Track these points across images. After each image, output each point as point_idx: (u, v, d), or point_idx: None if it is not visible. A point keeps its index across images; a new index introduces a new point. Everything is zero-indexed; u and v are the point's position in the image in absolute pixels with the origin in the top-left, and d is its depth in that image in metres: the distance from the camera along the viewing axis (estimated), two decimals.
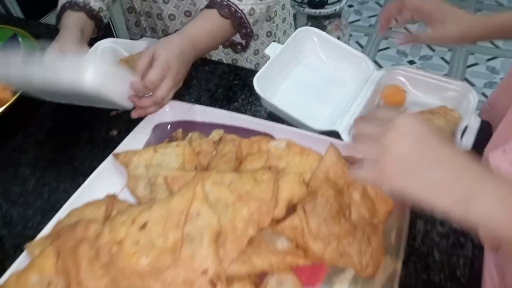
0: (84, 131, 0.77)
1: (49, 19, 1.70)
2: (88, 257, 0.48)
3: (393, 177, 0.40)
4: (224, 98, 0.81)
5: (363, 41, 2.42)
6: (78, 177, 0.70)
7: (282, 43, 0.78)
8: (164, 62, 0.68)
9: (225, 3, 0.77)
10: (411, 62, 2.26)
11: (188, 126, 0.73)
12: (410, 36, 0.72)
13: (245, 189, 0.55)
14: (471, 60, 2.24)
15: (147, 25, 0.99)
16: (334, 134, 0.68)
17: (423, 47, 2.34)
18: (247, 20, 0.79)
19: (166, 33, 0.94)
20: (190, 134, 0.70)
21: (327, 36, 0.79)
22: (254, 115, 0.77)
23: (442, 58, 2.27)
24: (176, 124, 0.73)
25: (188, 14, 0.90)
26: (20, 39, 0.87)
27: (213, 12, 0.77)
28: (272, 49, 0.76)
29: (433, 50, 2.31)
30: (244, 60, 0.99)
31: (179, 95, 0.81)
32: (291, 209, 0.57)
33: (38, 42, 0.85)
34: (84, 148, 0.75)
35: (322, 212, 0.53)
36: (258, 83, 0.71)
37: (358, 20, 2.58)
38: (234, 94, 0.81)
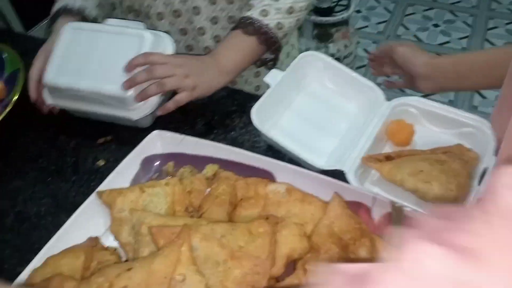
0: (69, 161, 0.72)
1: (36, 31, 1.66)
2: None
3: None
4: (220, 126, 0.75)
5: (371, 48, 2.35)
6: (60, 213, 0.65)
7: (286, 65, 0.72)
8: (170, 55, 0.73)
9: (248, 21, 0.76)
10: None
11: (180, 159, 0.67)
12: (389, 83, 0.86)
13: (238, 243, 0.49)
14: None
15: None
16: (339, 173, 0.62)
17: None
18: (274, 35, 0.77)
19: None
20: (181, 170, 0.64)
21: (333, 61, 0.73)
22: (253, 146, 0.72)
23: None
24: (167, 157, 0.67)
25: (177, 15, 0.86)
26: (5, 56, 0.82)
27: (238, 32, 0.76)
28: (273, 77, 0.70)
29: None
30: (244, 82, 0.93)
31: (173, 122, 0.76)
32: (291, 264, 0.52)
33: (22, 60, 0.80)
34: (69, 180, 0.69)
35: None
36: (257, 116, 0.65)
37: (366, 27, 2.51)
38: (231, 121, 0.76)
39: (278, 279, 0.51)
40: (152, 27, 0.85)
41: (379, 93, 0.69)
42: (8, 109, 0.73)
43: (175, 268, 0.44)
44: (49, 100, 0.74)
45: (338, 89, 0.73)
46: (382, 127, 0.66)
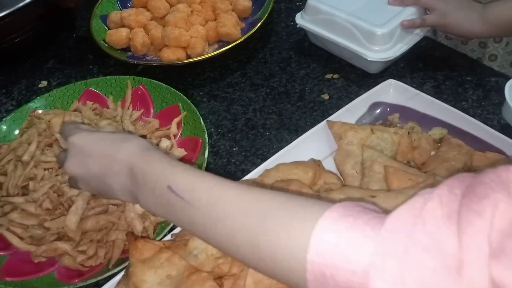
0: (297, 87, 0.77)
1: None
2: None
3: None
4: (451, 93, 0.72)
5: None
6: (283, 130, 0.71)
7: None
8: None
9: None
10: None
11: (406, 114, 0.67)
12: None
13: None
14: None
15: None
16: None
17: None
18: None
19: None
20: (409, 124, 0.64)
21: None
22: (485, 123, 0.67)
23: None
24: (395, 108, 0.68)
25: None
26: None
27: None
28: None
29: None
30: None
31: (402, 75, 0.75)
32: None
33: None
34: (294, 104, 0.75)
35: None
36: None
37: None
38: (464, 91, 0.72)
39: None
40: None
41: None
42: (253, 30, 0.80)
43: None
44: (301, 20, 0.79)
45: None
46: None
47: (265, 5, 0.86)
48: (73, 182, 0.50)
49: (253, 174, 0.60)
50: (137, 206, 0.56)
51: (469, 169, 0.56)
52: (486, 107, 0.69)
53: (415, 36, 0.74)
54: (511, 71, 0.84)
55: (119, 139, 0.45)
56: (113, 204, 0.57)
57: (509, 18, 0.67)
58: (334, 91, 0.76)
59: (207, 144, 0.63)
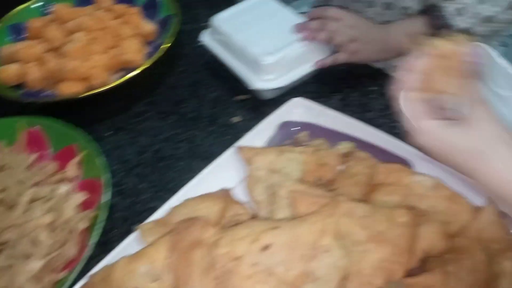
0: (207, 111, 0.75)
1: None
2: (202, 265, 0.45)
3: None
4: (357, 105, 0.73)
5: None
6: (194, 159, 0.69)
7: None
8: (346, 12, 0.72)
9: (439, 14, 0.69)
10: None
11: (315, 131, 0.66)
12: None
13: (377, 228, 0.48)
14: None
15: None
16: None
17: None
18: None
19: None
20: (317, 141, 0.64)
21: None
22: (391, 132, 0.68)
23: None
24: (304, 126, 0.67)
25: None
26: (159, 0, 0.87)
27: (423, 21, 0.72)
28: None
29: None
30: None
31: (308, 92, 0.75)
32: (425, 259, 0.50)
33: (178, 6, 0.84)
34: (205, 129, 0.72)
35: (467, 278, 0.45)
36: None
37: None
38: (369, 101, 0.73)
39: (409, 272, 0.49)
40: None
41: None
42: (159, 55, 0.77)
43: (320, 237, 0.44)
44: (206, 38, 0.78)
45: None
46: None
47: (170, 27, 0.83)
48: None
49: (160, 213, 0.57)
50: (31, 265, 0.51)
51: (372, 182, 0.56)
52: (390, 116, 0.70)
53: (309, 67, 0.73)
54: None
55: None
56: None
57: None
58: (246, 112, 0.74)
59: (110, 185, 0.59)
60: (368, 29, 0.73)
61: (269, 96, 0.75)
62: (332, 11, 0.72)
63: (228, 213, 0.55)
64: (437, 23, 0.70)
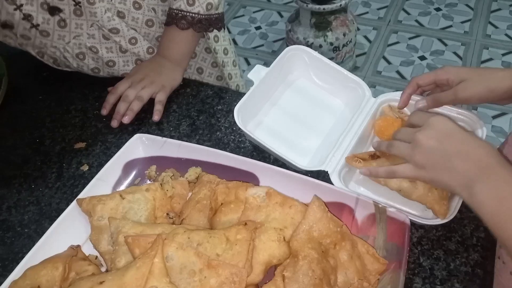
0: (53, 166, 0.71)
1: None
2: None
3: (423, 169, 0.50)
4: (206, 127, 0.74)
5: (371, 36, 2.30)
6: (43, 220, 0.65)
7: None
8: (129, 76, 0.78)
9: (180, 15, 0.78)
10: (422, 58, 2.15)
11: (162, 163, 0.66)
12: (430, 99, 0.63)
13: (216, 251, 0.48)
14: (485, 55, 2.12)
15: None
16: (324, 172, 0.61)
17: (435, 40, 2.22)
18: (209, 16, 0.79)
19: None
20: (162, 174, 0.63)
21: (320, 56, 0.71)
22: (238, 147, 0.70)
23: (455, 53, 2.15)
24: (149, 161, 0.66)
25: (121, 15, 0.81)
26: None
27: (173, 28, 0.79)
28: (256, 73, 0.68)
29: (445, 45, 2.20)
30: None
31: (157, 123, 0.75)
32: (272, 269, 0.51)
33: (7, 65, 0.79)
34: (52, 186, 0.68)
35: (303, 280, 0.46)
36: (240, 114, 0.63)
37: (366, 13, 2.46)
38: (217, 121, 0.74)
39: (257, 286, 0.50)
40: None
41: (366, 89, 0.67)
42: None
43: (147, 280, 0.43)
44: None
45: (325, 84, 0.71)
46: (369, 124, 0.64)
47: (1, 87, 0.78)
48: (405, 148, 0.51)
49: None
50: None
51: (216, 204, 0.57)
52: (237, 132, 0.72)
53: None
54: None
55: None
56: None
57: None
58: (93, 159, 0.71)
59: None
60: (152, 65, 0.80)
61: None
62: (121, 87, 0.77)
63: (72, 273, 0.52)
64: (185, 24, 0.78)
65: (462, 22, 2.30)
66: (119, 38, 0.80)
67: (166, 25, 0.80)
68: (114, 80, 0.79)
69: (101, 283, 0.43)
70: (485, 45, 2.17)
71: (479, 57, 2.11)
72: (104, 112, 0.76)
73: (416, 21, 2.35)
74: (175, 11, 0.78)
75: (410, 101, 0.64)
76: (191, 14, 0.77)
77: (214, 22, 0.81)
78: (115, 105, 0.76)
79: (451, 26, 2.29)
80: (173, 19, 0.78)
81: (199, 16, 0.78)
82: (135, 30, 0.81)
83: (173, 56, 0.81)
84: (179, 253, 0.47)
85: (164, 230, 0.52)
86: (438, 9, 2.40)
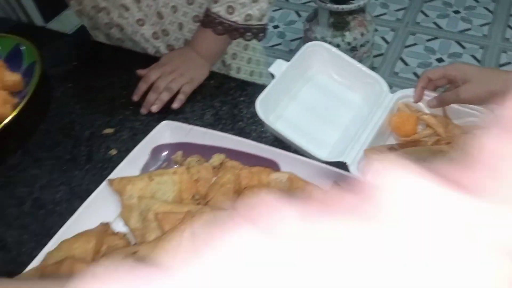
0: (84, 150, 0.75)
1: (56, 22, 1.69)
2: None
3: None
4: (229, 117, 0.77)
5: (389, 37, 2.32)
6: (74, 200, 0.68)
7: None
8: (158, 64, 0.81)
9: (217, 20, 0.79)
10: (440, 60, 2.15)
11: (188, 149, 0.69)
12: (436, 99, 0.66)
13: None
14: (504, 58, 2.12)
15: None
16: (342, 164, 0.64)
17: (453, 43, 2.22)
18: (247, 27, 0.80)
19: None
20: (188, 159, 0.67)
21: (339, 52, 0.74)
22: (260, 136, 0.73)
23: (473, 56, 2.15)
24: (176, 147, 0.69)
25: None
26: (22, 49, 0.86)
27: (208, 32, 0.81)
28: (277, 67, 0.71)
29: (464, 47, 2.20)
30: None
31: (183, 112, 0.78)
32: None
33: (40, 53, 0.83)
34: (82, 168, 0.72)
35: None
36: (262, 107, 0.66)
37: (384, 14, 2.47)
38: (239, 112, 0.77)
39: None
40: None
41: (383, 84, 0.70)
42: (24, 103, 0.76)
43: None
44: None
45: (343, 80, 0.74)
46: (386, 119, 0.67)
47: (34, 74, 0.82)
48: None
49: (37, 260, 0.56)
50: None
51: (239, 187, 0.60)
52: (259, 122, 0.75)
53: None
54: None
55: None
56: None
57: None
58: (121, 144, 0.75)
59: None
60: (182, 58, 0.82)
61: None
62: (152, 76, 0.80)
63: (104, 246, 0.56)
64: (221, 30, 0.80)
65: (481, 25, 2.29)
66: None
67: (203, 26, 0.82)
68: (139, 64, 0.84)
69: (134, 253, 0.47)
70: (503, 48, 2.17)
71: (497, 61, 2.11)
72: (135, 98, 0.80)
73: (434, 23, 2.35)
74: (213, 14, 0.79)
75: (424, 97, 0.67)
76: (228, 22, 0.79)
77: (255, 32, 0.81)
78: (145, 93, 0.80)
79: (469, 29, 2.29)
80: (211, 22, 0.80)
81: (236, 25, 0.79)
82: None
83: (204, 53, 0.83)
84: (205, 230, 0.50)
85: (191, 209, 0.55)
86: (456, 12, 2.40)
